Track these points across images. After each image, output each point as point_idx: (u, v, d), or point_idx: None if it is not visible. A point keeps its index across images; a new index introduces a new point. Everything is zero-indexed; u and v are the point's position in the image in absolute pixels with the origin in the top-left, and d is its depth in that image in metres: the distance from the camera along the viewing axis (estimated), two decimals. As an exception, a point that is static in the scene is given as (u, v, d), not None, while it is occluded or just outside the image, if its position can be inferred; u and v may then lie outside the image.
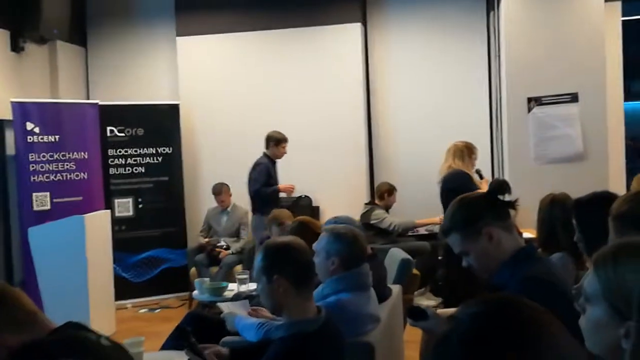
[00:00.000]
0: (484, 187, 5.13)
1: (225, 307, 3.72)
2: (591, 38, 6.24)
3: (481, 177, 5.91)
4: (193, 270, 6.99)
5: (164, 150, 7.54)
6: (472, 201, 2.29)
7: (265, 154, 6.58)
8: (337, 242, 3.12)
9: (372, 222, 6.69)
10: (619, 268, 1.24)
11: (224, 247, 7.05)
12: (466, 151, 5.76)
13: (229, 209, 7.30)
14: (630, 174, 7.11)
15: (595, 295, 1.26)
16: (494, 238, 2.21)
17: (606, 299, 1.24)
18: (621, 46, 7.09)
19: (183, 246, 7.45)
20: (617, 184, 6.21)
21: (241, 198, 7.37)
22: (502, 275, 2.23)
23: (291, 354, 2.38)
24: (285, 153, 6.62)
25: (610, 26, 6.82)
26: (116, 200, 7.33)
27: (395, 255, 4.97)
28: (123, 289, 6.84)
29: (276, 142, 6.54)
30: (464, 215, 2.25)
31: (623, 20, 7.15)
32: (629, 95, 8.04)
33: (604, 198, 2.51)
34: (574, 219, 2.61)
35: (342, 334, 2.64)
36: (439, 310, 2.56)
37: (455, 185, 5.30)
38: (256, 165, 6.52)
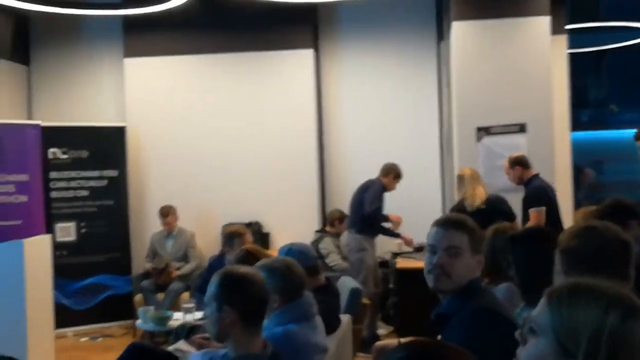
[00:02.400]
0: None
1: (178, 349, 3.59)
2: (538, 70, 6.36)
3: None
4: (139, 296, 6.80)
5: (109, 173, 7.34)
6: None
7: (380, 180, 6.46)
8: (272, 277, 2.99)
9: (319, 251, 6.64)
10: (572, 307, 1.25)
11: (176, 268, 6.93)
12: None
13: (174, 232, 7.15)
14: (579, 204, 7.23)
15: (544, 327, 1.27)
16: (480, 264, 2.27)
17: (555, 333, 1.25)
18: (568, 78, 7.26)
19: (128, 272, 7.25)
20: (564, 215, 6.27)
21: (187, 222, 7.24)
22: (452, 305, 2.23)
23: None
24: (395, 189, 6.51)
25: (557, 58, 6.97)
26: (58, 225, 7.08)
27: (345, 284, 4.90)
28: (64, 317, 6.58)
29: (396, 175, 6.44)
30: (480, 229, 2.32)
31: (569, 53, 7.33)
32: (577, 125, 8.21)
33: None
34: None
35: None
36: (384, 342, 2.55)
37: (507, 208, 5.55)
38: (370, 185, 6.41)
